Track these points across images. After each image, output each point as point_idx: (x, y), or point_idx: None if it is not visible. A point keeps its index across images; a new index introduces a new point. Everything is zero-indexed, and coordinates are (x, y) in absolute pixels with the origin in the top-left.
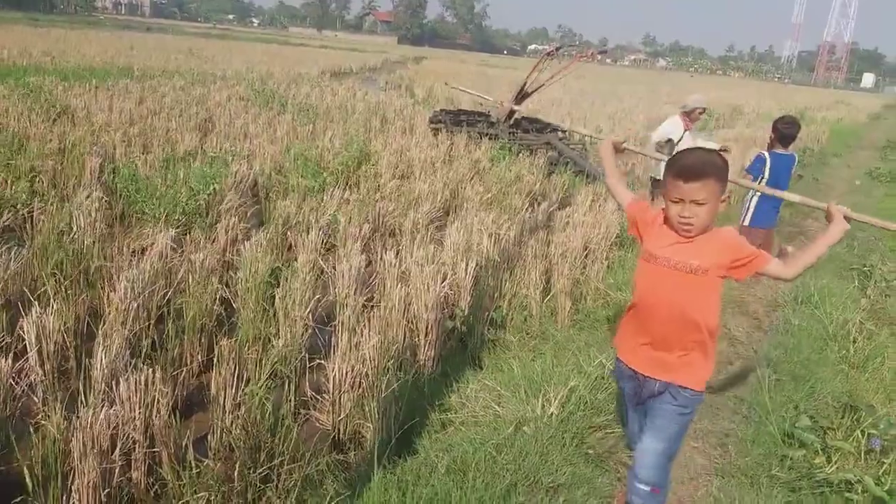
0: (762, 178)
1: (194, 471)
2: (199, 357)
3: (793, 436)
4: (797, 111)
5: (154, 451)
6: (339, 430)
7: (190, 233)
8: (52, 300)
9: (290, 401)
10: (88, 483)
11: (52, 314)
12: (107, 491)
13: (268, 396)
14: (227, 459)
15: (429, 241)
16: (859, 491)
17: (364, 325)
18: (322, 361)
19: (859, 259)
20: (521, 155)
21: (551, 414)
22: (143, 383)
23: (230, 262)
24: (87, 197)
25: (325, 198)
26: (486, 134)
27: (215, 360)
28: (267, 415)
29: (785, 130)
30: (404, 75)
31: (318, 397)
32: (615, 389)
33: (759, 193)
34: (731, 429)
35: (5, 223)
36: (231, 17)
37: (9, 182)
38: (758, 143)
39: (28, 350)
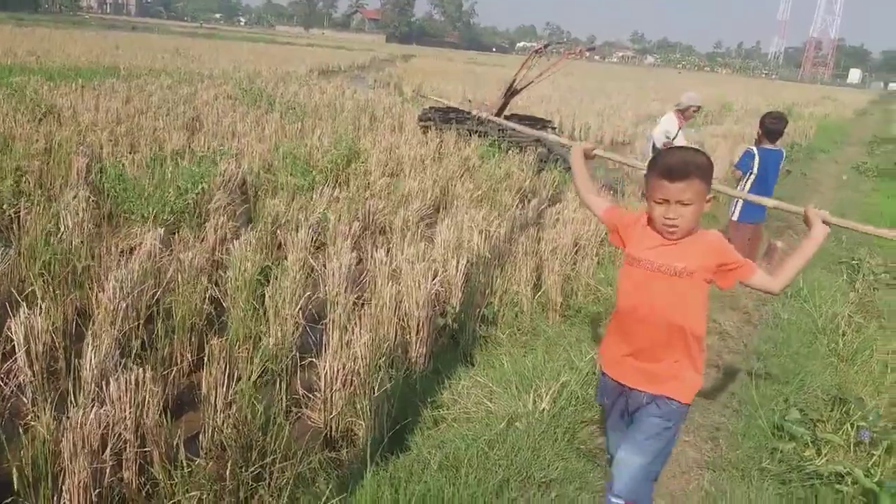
0: (751, 173)
1: (186, 470)
2: (190, 356)
3: (783, 429)
4: (785, 107)
5: (145, 451)
6: (331, 427)
7: (178, 232)
8: (40, 300)
9: (282, 399)
10: (79, 483)
11: (41, 315)
12: (98, 491)
13: (258, 396)
14: (218, 458)
15: (419, 238)
16: (849, 483)
17: (355, 322)
18: (313, 359)
19: (848, 253)
20: (510, 152)
21: (543, 409)
22: (133, 383)
23: (219, 261)
24: (74, 197)
25: (314, 196)
26: (476, 131)
27: (206, 359)
28: (258, 413)
29: (771, 126)
30: (393, 73)
31: (310, 395)
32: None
33: (747, 187)
34: (721, 422)
35: None
36: (218, 15)
37: None
38: (746, 138)
39: (16, 351)
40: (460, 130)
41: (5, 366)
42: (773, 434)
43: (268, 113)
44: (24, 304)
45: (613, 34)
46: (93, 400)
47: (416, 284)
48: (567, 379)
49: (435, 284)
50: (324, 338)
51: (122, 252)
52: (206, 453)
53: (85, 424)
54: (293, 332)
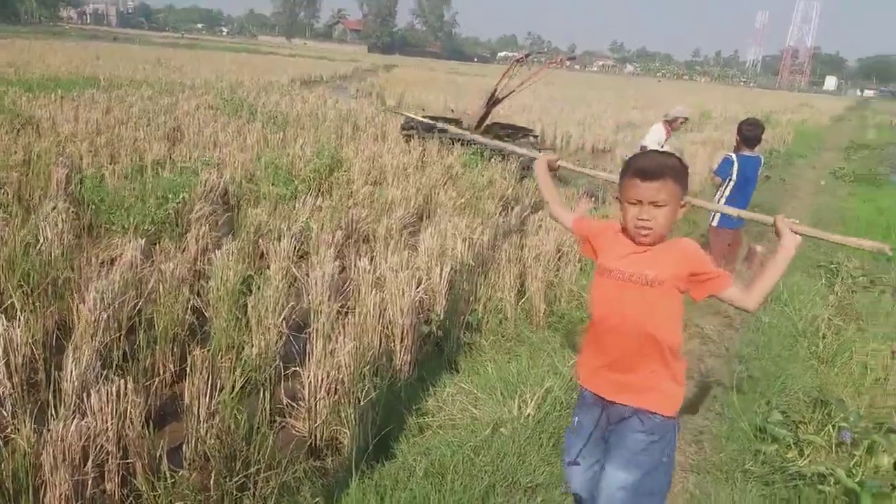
0: (730, 179)
1: (169, 481)
2: (172, 367)
3: (766, 431)
4: (763, 114)
5: (128, 463)
6: (315, 436)
7: (160, 242)
8: (19, 312)
9: (266, 409)
10: (60, 496)
11: (20, 326)
12: (79, 503)
13: (240, 408)
14: (202, 469)
15: (403, 246)
16: (832, 483)
17: (339, 331)
18: (297, 369)
19: (826, 256)
20: (493, 160)
21: (528, 415)
22: (114, 394)
23: (201, 271)
24: (54, 208)
25: (297, 205)
26: (459, 139)
27: (188, 369)
28: (242, 423)
29: (748, 132)
30: (375, 83)
31: (294, 404)
32: None
33: (726, 193)
34: (705, 426)
35: None
36: (200, 26)
37: None
38: (725, 145)
39: None
40: (443, 139)
41: None
42: (755, 436)
43: (250, 123)
44: (3, 316)
45: (593, 44)
46: (74, 412)
47: (400, 292)
48: (551, 384)
49: (419, 292)
50: (307, 347)
51: (102, 263)
52: (189, 464)
53: (66, 436)
54: (276, 342)
